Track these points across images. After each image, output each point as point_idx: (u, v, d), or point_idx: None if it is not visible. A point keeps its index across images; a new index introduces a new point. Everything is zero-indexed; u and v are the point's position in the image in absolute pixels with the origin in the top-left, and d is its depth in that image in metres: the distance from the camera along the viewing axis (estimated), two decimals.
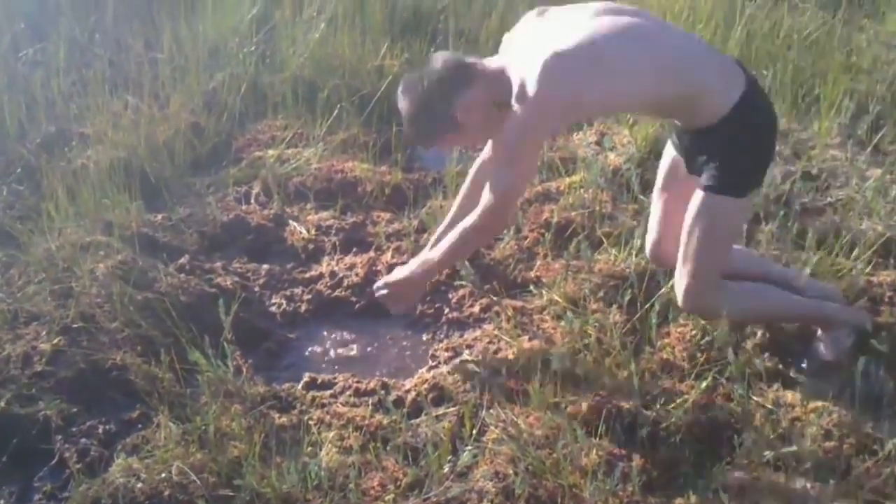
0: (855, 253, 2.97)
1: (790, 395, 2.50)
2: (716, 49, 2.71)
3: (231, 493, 2.22)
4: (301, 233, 3.38)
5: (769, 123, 2.45)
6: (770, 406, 2.45)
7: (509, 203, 2.46)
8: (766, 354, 2.63)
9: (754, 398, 2.48)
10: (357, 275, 3.14)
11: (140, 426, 2.48)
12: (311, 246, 3.34)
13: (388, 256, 3.22)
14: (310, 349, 2.92)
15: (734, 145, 2.36)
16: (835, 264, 2.94)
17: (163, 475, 2.24)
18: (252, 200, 3.59)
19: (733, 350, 2.50)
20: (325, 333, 2.99)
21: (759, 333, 2.70)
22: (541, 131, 2.39)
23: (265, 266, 3.23)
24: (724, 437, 2.38)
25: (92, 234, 3.14)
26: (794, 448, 2.28)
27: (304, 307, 3.08)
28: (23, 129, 3.89)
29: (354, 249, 3.31)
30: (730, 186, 2.37)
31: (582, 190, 3.38)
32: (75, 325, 2.74)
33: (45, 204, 3.25)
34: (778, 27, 4.49)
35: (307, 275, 3.20)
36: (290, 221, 3.45)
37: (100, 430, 2.45)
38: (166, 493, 2.21)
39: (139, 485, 2.22)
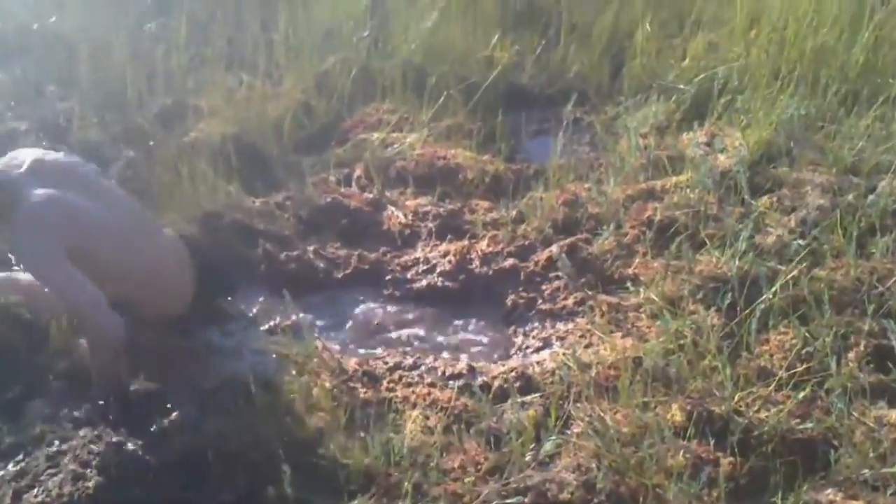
0: None
1: (894, 415, 2.38)
2: None
3: (314, 461, 2.25)
4: (398, 217, 3.41)
5: None
6: (871, 424, 2.34)
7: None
8: (871, 367, 2.51)
9: (854, 414, 2.37)
10: (450, 262, 3.15)
11: (230, 392, 2.53)
12: (407, 231, 3.36)
13: (483, 245, 3.22)
14: (400, 330, 2.93)
15: None
16: None
17: (250, 438, 2.29)
18: (353, 183, 3.64)
19: (836, 361, 2.39)
20: (417, 316, 3.00)
21: (864, 344, 2.58)
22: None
23: (358, 251, 3.26)
24: (818, 452, 2.28)
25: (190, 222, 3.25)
26: None
27: (395, 291, 3.11)
28: (142, 100, 4.04)
29: (450, 236, 3.31)
30: None
31: (688, 190, 3.29)
32: None
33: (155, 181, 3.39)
34: None
35: (400, 259, 3.22)
36: (389, 206, 3.48)
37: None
38: (252, 455, 2.26)
39: (227, 444, 2.27)
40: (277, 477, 2.17)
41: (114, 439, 2.29)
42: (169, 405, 2.50)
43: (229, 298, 2.99)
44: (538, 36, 4.56)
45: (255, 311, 2.99)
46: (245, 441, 2.29)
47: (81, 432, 2.32)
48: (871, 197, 3.14)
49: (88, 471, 2.22)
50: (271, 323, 2.93)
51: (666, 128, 3.80)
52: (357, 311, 3.03)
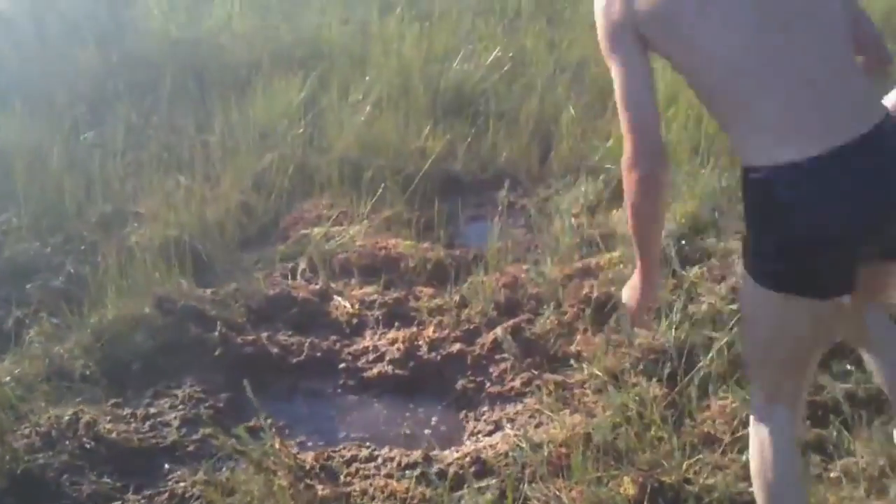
0: None
1: (835, 470, 2.48)
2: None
3: None
4: (345, 307, 3.46)
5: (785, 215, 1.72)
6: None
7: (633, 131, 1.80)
8: (808, 423, 2.62)
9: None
10: (399, 349, 3.20)
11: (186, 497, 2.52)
12: (354, 320, 3.41)
13: (429, 331, 3.28)
14: (353, 422, 2.96)
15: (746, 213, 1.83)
16: None
17: None
18: (298, 276, 3.69)
19: None
20: (368, 405, 3.04)
21: None
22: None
23: (309, 339, 3.30)
24: None
25: (142, 308, 3.25)
26: None
27: (348, 380, 3.14)
28: (80, 208, 4.06)
29: (397, 324, 3.37)
30: (746, 263, 1.85)
31: (622, 265, 3.42)
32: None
33: (99, 278, 3.38)
34: None
35: (350, 348, 3.27)
36: (335, 296, 3.53)
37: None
38: None
39: None
40: None
41: None
42: None
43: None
44: (468, 125, 4.73)
45: (216, 400, 2.97)
46: None
47: None
48: None
49: None
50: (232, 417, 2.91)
51: (596, 206, 3.96)
52: (313, 401, 3.06)
